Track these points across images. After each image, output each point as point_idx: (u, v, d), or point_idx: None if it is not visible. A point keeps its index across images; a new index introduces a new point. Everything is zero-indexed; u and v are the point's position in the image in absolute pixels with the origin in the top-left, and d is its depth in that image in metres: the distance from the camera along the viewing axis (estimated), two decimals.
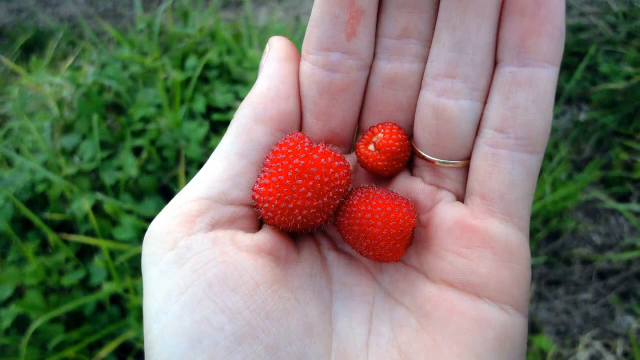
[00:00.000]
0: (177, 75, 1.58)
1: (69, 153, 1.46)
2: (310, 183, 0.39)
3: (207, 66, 1.70)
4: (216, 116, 1.57)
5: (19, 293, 1.21)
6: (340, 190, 0.40)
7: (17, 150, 1.47)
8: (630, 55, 1.83)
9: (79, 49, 2.09)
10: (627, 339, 1.34)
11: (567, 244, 1.56)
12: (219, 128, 1.60)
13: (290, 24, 2.31)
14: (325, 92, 0.43)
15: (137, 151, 1.50)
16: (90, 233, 1.31)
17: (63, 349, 1.12)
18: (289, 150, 0.40)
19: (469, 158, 0.42)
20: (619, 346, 1.33)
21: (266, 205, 0.39)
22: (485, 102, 0.41)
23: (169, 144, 1.45)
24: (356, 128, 0.48)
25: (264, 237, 0.40)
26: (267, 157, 0.41)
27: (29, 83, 1.63)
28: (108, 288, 1.17)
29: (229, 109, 1.61)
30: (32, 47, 2.37)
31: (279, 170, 0.39)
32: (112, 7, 2.71)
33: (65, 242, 1.29)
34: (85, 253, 1.31)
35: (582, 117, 1.82)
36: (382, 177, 0.47)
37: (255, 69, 1.71)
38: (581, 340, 1.35)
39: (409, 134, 0.46)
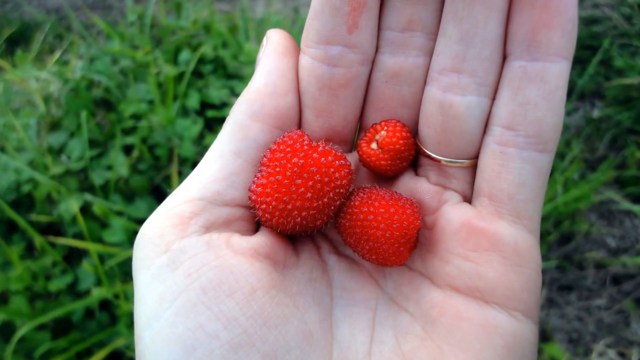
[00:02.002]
0: (169, 70, 1.58)
1: (56, 152, 1.46)
2: (310, 183, 0.39)
3: (202, 60, 1.70)
4: (211, 113, 1.57)
5: (3, 299, 1.21)
6: (341, 190, 0.40)
7: (2, 149, 1.47)
8: None
9: (67, 42, 2.09)
10: None
11: (579, 247, 1.56)
12: (213, 125, 1.60)
13: (288, 16, 2.32)
14: (325, 87, 0.43)
15: (127, 150, 1.50)
16: (79, 236, 1.31)
17: (50, 357, 1.12)
18: (288, 149, 0.40)
19: (476, 157, 0.42)
20: (635, 354, 1.33)
21: (263, 206, 0.39)
22: (493, 99, 0.41)
23: (161, 142, 1.45)
24: (358, 125, 0.48)
25: (261, 240, 0.40)
26: (264, 156, 0.41)
27: (14, 78, 1.63)
28: (97, 294, 1.17)
29: (225, 106, 1.61)
30: (18, 40, 2.37)
31: (277, 169, 0.39)
32: None
33: (52, 245, 1.29)
34: (73, 257, 1.31)
35: (596, 113, 1.82)
36: (385, 176, 0.47)
37: (252, 63, 1.71)
38: (594, 349, 1.35)
39: (414, 132, 0.46)
